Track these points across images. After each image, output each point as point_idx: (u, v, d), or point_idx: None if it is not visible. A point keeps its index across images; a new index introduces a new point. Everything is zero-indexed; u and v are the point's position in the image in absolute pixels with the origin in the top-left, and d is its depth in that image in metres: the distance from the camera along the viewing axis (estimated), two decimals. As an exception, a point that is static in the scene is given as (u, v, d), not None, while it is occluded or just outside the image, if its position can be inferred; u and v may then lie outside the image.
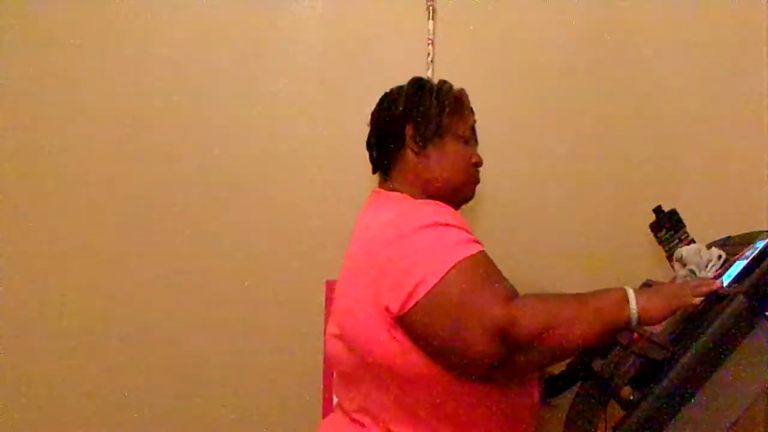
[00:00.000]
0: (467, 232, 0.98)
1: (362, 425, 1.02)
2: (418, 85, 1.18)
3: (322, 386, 1.50)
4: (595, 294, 0.92)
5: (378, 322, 0.95)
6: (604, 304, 0.89)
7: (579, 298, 0.92)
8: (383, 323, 0.95)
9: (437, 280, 0.90)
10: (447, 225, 0.96)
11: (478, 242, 0.97)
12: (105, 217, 1.58)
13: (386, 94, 1.20)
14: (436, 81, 1.20)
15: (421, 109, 1.13)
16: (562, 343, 0.88)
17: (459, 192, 1.14)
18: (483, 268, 0.94)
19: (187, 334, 1.56)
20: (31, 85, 1.59)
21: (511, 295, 0.92)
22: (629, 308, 0.87)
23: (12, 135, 1.59)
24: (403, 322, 0.93)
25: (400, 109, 1.15)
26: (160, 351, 1.56)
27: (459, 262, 0.92)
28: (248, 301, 1.56)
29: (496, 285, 0.93)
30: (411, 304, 0.91)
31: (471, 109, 1.20)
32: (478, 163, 1.18)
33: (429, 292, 0.90)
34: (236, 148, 1.58)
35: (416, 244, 0.94)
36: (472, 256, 0.93)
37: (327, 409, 1.47)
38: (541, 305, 0.91)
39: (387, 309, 0.93)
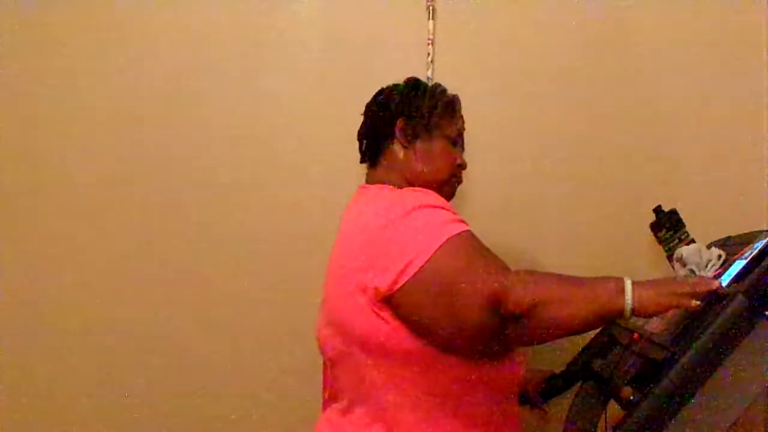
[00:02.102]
0: (454, 213, 1.00)
1: (351, 411, 1.03)
2: (414, 83, 1.22)
3: (322, 386, 1.49)
4: (592, 279, 0.92)
5: (364, 303, 0.97)
6: (600, 290, 0.88)
7: (576, 279, 0.92)
8: (369, 303, 0.96)
9: (427, 257, 0.92)
10: (434, 207, 0.99)
11: (464, 223, 0.99)
12: (105, 217, 1.58)
13: (382, 89, 1.23)
14: (435, 81, 1.21)
15: (414, 105, 1.17)
16: (553, 320, 0.88)
17: (440, 189, 1.16)
18: (473, 244, 0.96)
19: (186, 334, 1.56)
20: (31, 85, 1.59)
21: (504, 267, 0.94)
22: (625, 298, 0.87)
23: (12, 135, 1.59)
24: (391, 301, 0.95)
25: (394, 103, 1.18)
26: (159, 351, 1.56)
27: (448, 240, 0.93)
28: (248, 301, 1.56)
29: (489, 258, 0.95)
30: (401, 283, 0.93)
31: (462, 116, 1.23)
32: (462, 166, 1.22)
33: (420, 269, 0.92)
34: (236, 148, 1.58)
35: (405, 227, 0.96)
36: (461, 233, 0.95)
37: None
38: (536, 278, 0.91)
39: (375, 289, 0.95)
